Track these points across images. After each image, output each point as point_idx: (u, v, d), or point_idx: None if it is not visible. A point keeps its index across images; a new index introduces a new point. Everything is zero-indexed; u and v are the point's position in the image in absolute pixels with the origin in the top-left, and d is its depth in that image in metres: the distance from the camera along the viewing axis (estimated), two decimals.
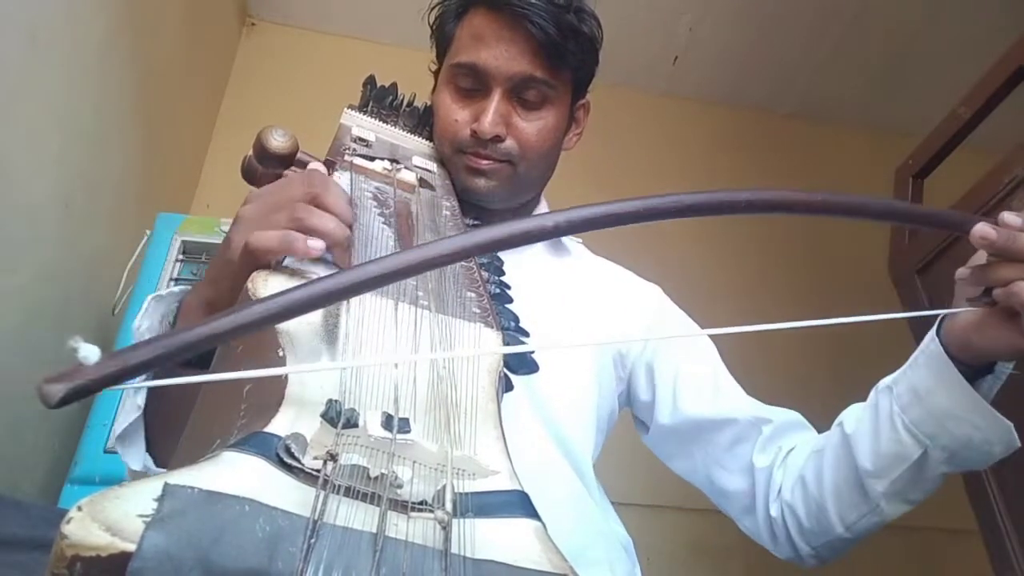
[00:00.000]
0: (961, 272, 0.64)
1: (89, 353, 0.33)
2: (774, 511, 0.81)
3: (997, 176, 1.32)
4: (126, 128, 1.68)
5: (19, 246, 1.27)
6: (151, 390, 0.68)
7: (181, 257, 1.48)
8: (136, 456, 0.70)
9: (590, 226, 0.46)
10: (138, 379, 0.35)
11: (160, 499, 0.31)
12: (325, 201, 0.61)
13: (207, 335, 0.36)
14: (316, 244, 0.58)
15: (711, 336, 0.92)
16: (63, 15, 1.33)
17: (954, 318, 0.67)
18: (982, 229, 0.59)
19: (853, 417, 0.77)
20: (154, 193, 1.88)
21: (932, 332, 0.69)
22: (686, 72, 2.71)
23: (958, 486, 1.31)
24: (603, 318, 0.90)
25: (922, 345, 0.70)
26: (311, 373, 0.47)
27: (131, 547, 0.29)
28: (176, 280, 1.45)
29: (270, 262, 0.59)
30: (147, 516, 0.30)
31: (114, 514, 0.30)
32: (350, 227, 0.62)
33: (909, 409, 0.70)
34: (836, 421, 0.79)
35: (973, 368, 0.68)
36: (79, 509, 0.29)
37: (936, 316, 0.70)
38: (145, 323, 0.69)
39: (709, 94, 2.80)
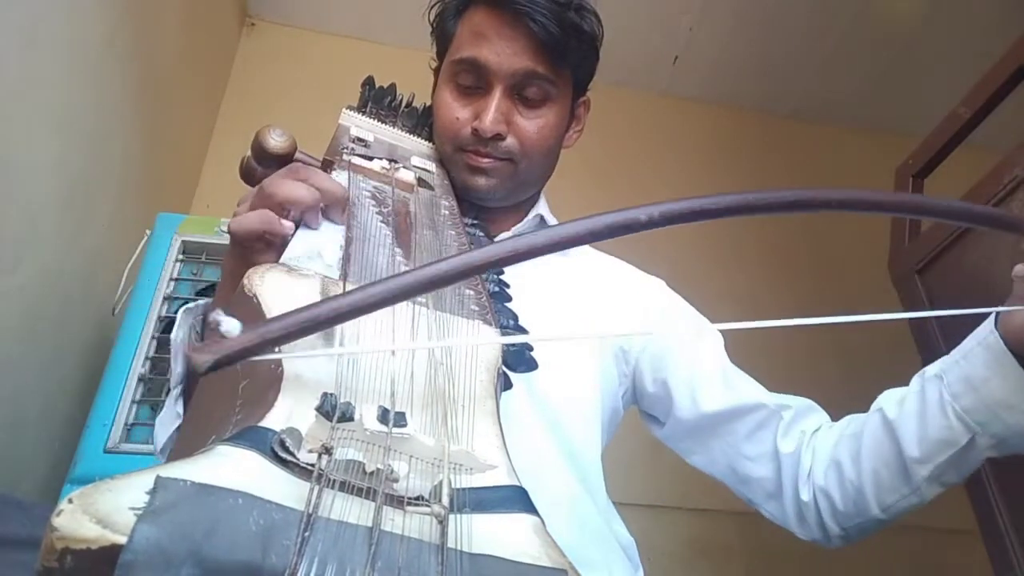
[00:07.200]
0: (1019, 270, 0.65)
1: (231, 328, 0.36)
2: (805, 495, 0.81)
3: (997, 176, 1.31)
4: (126, 128, 1.68)
5: (19, 246, 1.27)
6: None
7: (181, 257, 1.47)
8: None
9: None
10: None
11: (152, 492, 0.31)
12: (301, 176, 0.65)
13: (335, 312, 0.37)
14: (287, 224, 0.62)
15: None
16: (63, 15, 1.33)
17: (1011, 315, 0.69)
18: None
19: (894, 403, 0.78)
20: (154, 193, 1.88)
21: (990, 326, 0.71)
22: (686, 72, 2.71)
23: (958, 486, 1.31)
24: (605, 314, 0.89)
25: (978, 338, 0.72)
26: (307, 370, 0.47)
27: (122, 540, 0.28)
28: (176, 280, 1.45)
29: (257, 248, 0.62)
30: (139, 509, 0.30)
31: (105, 507, 0.29)
32: (337, 198, 0.66)
33: (961, 397, 0.72)
34: (874, 407, 0.81)
35: None
36: (70, 502, 0.29)
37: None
38: (180, 334, 0.72)
39: (709, 94, 2.80)
